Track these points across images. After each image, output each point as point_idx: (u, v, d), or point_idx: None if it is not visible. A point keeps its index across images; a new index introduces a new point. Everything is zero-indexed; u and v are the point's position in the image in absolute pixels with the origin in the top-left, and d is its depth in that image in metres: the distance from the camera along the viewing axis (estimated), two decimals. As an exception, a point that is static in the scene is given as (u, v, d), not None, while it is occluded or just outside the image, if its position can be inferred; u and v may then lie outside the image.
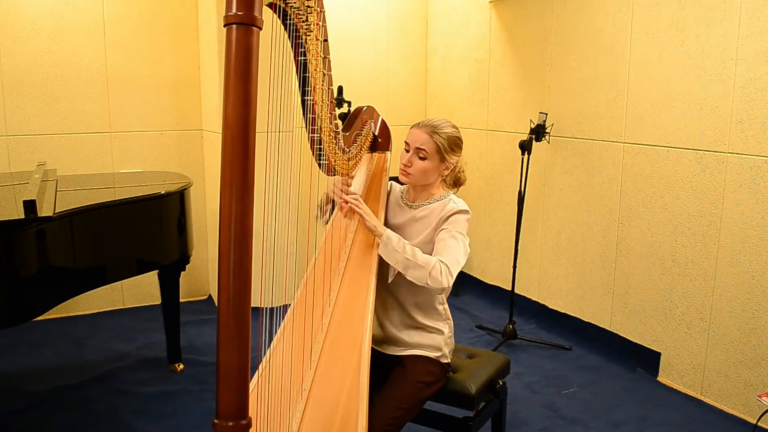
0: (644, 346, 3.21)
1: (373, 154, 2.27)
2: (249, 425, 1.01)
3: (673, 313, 3.05)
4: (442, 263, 1.80)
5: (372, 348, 1.69)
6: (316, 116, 1.69)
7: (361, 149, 2.08)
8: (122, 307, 4.10)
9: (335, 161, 1.86)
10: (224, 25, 0.97)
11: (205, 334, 3.68)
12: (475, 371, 2.10)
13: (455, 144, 1.95)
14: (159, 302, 3.21)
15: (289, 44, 1.59)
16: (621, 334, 3.36)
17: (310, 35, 1.58)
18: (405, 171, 1.95)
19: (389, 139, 2.28)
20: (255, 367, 1.56)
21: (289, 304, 1.81)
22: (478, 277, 4.43)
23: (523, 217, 3.58)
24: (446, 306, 2.04)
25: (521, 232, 3.63)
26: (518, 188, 3.51)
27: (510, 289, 3.68)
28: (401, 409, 1.78)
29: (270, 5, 1.43)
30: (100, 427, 2.67)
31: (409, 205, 2.03)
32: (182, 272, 3.10)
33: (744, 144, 2.68)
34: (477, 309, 4.10)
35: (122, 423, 2.69)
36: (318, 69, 1.65)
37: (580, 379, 3.14)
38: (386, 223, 2.02)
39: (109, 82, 3.88)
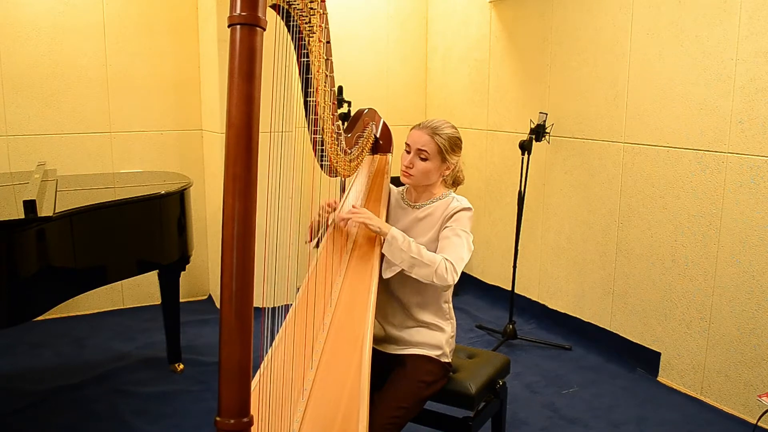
0: (644, 346, 3.21)
1: (375, 156, 2.28)
2: (250, 423, 1.01)
3: (673, 313, 3.05)
4: (447, 261, 1.81)
5: (373, 347, 1.70)
6: (319, 117, 1.70)
7: (362, 151, 2.08)
8: (122, 307, 4.10)
9: (337, 162, 1.87)
10: (228, 26, 0.98)
11: (205, 334, 3.68)
12: (475, 371, 2.10)
13: (456, 144, 1.97)
14: (159, 302, 3.21)
15: (292, 45, 1.59)
16: (621, 334, 3.36)
17: (312, 37, 1.59)
18: (407, 172, 1.97)
19: (390, 141, 2.28)
20: (256, 367, 1.57)
21: (291, 304, 1.81)
22: (478, 277, 4.43)
23: (523, 217, 3.58)
24: (450, 305, 2.04)
25: (521, 232, 3.63)
26: (518, 188, 3.51)
27: (510, 289, 3.68)
28: (402, 409, 1.79)
29: (273, 6, 1.43)
30: (100, 427, 2.67)
31: (411, 206, 2.04)
32: (182, 272, 3.10)
33: (744, 144, 2.68)
34: (477, 309, 4.11)
35: (122, 423, 2.69)
36: (320, 70, 1.66)
37: (580, 379, 3.14)
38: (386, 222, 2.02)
39: (109, 82, 3.88)
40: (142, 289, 4.11)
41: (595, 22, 3.34)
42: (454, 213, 1.93)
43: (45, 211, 2.28)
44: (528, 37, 3.82)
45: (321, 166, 1.83)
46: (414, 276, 1.82)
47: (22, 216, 2.19)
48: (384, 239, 1.83)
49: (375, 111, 2.22)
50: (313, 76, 1.64)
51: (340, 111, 3.92)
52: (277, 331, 1.71)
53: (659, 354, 3.13)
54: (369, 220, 1.84)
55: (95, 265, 2.62)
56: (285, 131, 1.55)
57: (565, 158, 3.62)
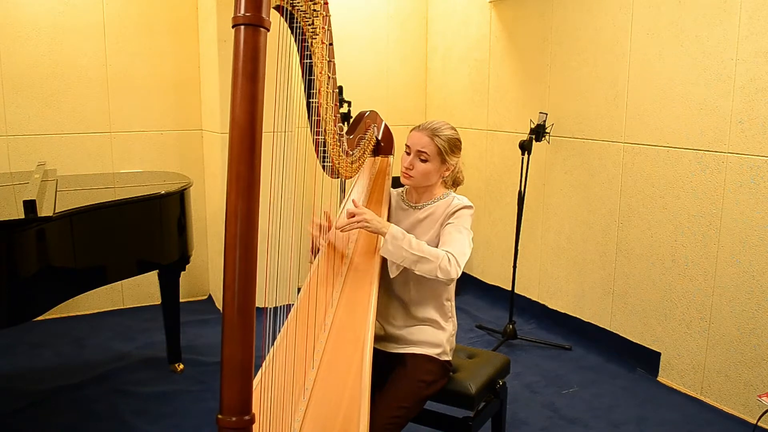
0: (644, 346, 3.21)
1: (376, 157, 2.29)
2: (252, 420, 1.02)
3: (673, 313, 3.05)
4: (450, 254, 1.82)
5: (373, 347, 1.70)
6: (321, 118, 1.70)
7: (364, 153, 2.09)
8: (122, 307, 4.10)
9: (339, 163, 1.87)
10: (233, 26, 0.98)
11: (205, 334, 3.68)
12: (475, 371, 2.10)
13: (455, 145, 1.99)
14: (159, 302, 3.21)
15: (295, 47, 1.60)
16: (621, 334, 3.36)
17: (315, 38, 1.60)
18: (407, 174, 1.98)
19: (392, 143, 2.29)
20: (258, 366, 1.57)
21: (292, 304, 1.81)
22: (478, 277, 4.43)
23: (523, 217, 3.58)
24: (453, 303, 2.04)
25: (521, 232, 3.63)
26: (518, 188, 3.51)
27: (510, 289, 3.68)
28: (402, 408, 1.79)
29: (277, 8, 1.44)
30: (100, 427, 2.67)
31: (412, 207, 2.05)
32: (182, 272, 3.10)
33: (744, 144, 2.68)
34: (477, 309, 4.11)
35: (122, 423, 2.69)
36: (323, 72, 1.67)
37: (580, 379, 3.15)
38: None
39: (109, 82, 3.88)
40: (142, 289, 4.11)
41: (595, 22, 3.34)
42: (456, 210, 1.94)
43: (45, 211, 2.28)
44: (528, 37, 3.82)
45: (323, 167, 1.84)
46: (418, 272, 1.82)
47: (22, 216, 2.19)
48: (384, 239, 1.83)
49: (377, 113, 2.23)
50: (315, 77, 1.65)
51: (340, 111, 3.92)
52: (279, 331, 1.72)
53: (659, 354, 3.13)
54: (367, 223, 1.83)
55: (95, 265, 2.62)
56: (287, 131, 1.55)
57: (565, 158, 3.62)
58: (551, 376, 3.18)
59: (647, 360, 3.19)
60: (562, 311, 3.75)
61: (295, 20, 1.55)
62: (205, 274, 4.32)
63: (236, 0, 0.98)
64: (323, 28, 1.61)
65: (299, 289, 1.92)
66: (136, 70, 3.94)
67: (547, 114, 3.46)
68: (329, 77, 1.71)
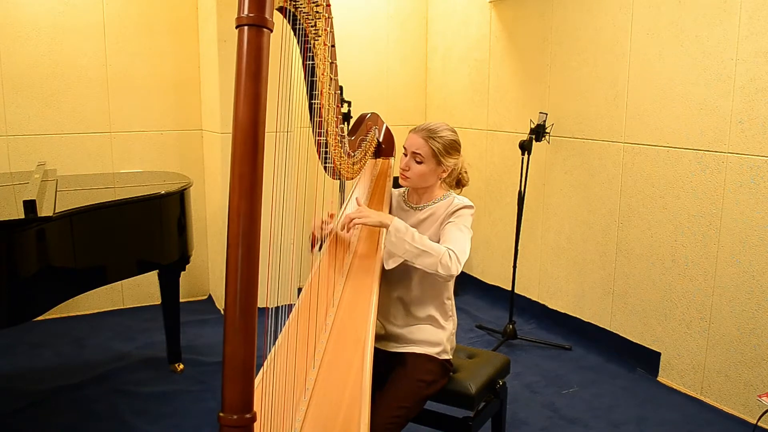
0: (644, 346, 3.22)
1: (377, 159, 2.29)
2: (253, 419, 1.02)
3: (673, 313, 3.05)
4: (451, 250, 1.82)
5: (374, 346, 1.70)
6: (323, 120, 1.71)
7: (365, 154, 2.10)
8: (122, 307, 4.10)
9: (341, 165, 1.88)
10: (236, 27, 0.99)
11: (205, 334, 3.68)
12: (475, 371, 2.10)
13: (451, 147, 1.98)
14: (159, 302, 3.21)
15: (298, 48, 1.61)
16: (621, 334, 3.36)
17: (318, 40, 1.61)
18: (404, 175, 2.00)
19: (393, 145, 2.30)
20: (259, 366, 1.57)
21: (293, 304, 1.81)
22: (478, 277, 4.43)
23: (523, 217, 3.59)
24: (452, 303, 2.05)
25: (521, 232, 3.63)
26: (518, 188, 3.52)
27: (510, 289, 3.68)
28: (403, 408, 1.79)
29: (280, 9, 1.44)
30: (100, 427, 2.67)
31: (413, 207, 2.06)
32: (182, 272, 3.10)
33: (744, 144, 2.68)
34: (477, 309, 4.11)
35: (122, 423, 2.69)
36: (325, 73, 1.67)
37: (580, 379, 3.15)
38: None
39: (109, 82, 3.88)
40: (142, 289, 4.11)
41: (595, 22, 3.35)
42: (456, 210, 1.95)
43: (45, 211, 2.28)
44: (528, 37, 3.82)
45: (324, 168, 1.84)
46: (418, 266, 1.82)
47: (22, 216, 2.19)
48: (387, 231, 1.84)
49: (378, 115, 2.23)
50: (317, 79, 1.65)
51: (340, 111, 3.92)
52: (280, 331, 1.72)
53: (659, 354, 3.13)
54: (367, 218, 1.84)
55: (95, 265, 2.62)
56: (289, 132, 1.56)
57: (565, 158, 3.62)
58: (551, 376, 3.18)
59: (647, 360, 3.19)
60: (562, 311, 3.75)
61: (297, 22, 1.55)
62: (205, 274, 4.32)
63: (240, 0, 0.98)
64: (326, 29, 1.61)
65: (300, 290, 1.92)
66: (136, 70, 3.94)
67: (547, 114, 3.46)
68: (331, 79, 1.72)
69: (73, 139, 3.84)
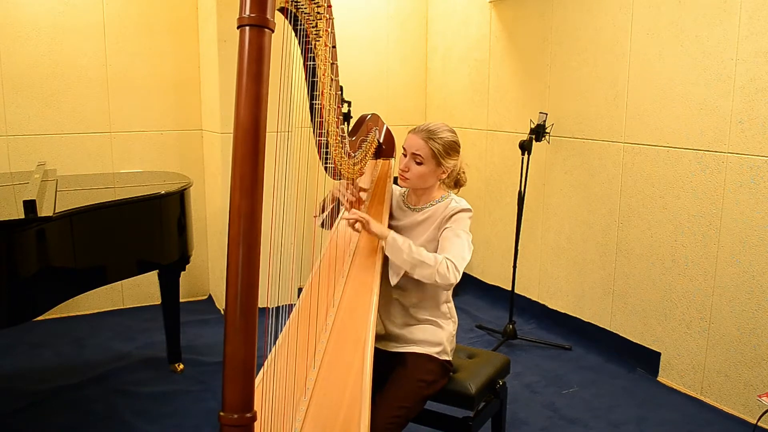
0: (644, 346, 3.22)
1: (378, 160, 2.29)
2: (254, 418, 1.02)
3: (673, 313, 3.05)
4: (449, 260, 1.82)
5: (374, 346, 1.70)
6: (324, 120, 1.71)
7: (366, 155, 2.10)
8: (122, 307, 4.10)
9: (341, 165, 1.88)
10: (237, 27, 0.99)
11: (205, 334, 3.68)
12: (475, 371, 2.10)
13: (451, 148, 1.98)
14: (159, 302, 3.21)
15: (299, 49, 1.61)
16: (621, 334, 3.36)
17: (319, 41, 1.61)
18: (403, 175, 2.00)
19: (393, 146, 2.30)
20: (259, 366, 1.57)
21: (294, 304, 1.82)
22: (478, 277, 4.44)
23: (523, 217, 3.59)
24: (451, 305, 2.05)
25: (521, 232, 3.63)
26: (518, 188, 3.52)
27: (510, 289, 3.68)
28: (403, 408, 1.79)
29: (281, 10, 1.45)
30: (100, 427, 2.67)
31: (411, 208, 2.06)
32: (182, 272, 3.10)
33: (744, 144, 2.68)
34: (477, 309, 4.11)
35: (122, 423, 2.69)
36: (326, 74, 1.67)
37: (580, 379, 3.15)
38: (389, 226, 2.03)
39: (109, 82, 3.88)
40: (142, 289, 4.11)
41: (595, 22, 3.35)
42: (454, 214, 1.94)
43: (45, 211, 2.28)
44: (528, 37, 3.83)
45: (325, 168, 1.84)
46: (417, 277, 1.83)
47: (22, 216, 2.19)
48: (384, 243, 1.84)
49: (378, 116, 2.24)
50: (318, 79, 1.65)
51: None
52: (280, 331, 1.72)
53: (659, 354, 3.14)
54: (368, 224, 1.85)
55: (95, 265, 2.62)
56: (290, 132, 1.56)
57: (565, 158, 3.62)
58: (551, 376, 3.19)
59: (647, 360, 3.19)
60: (562, 311, 3.75)
61: (299, 22, 1.55)
62: (205, 274, 4.32)
63: (241, 1, 0.99)
64: (327, 30, 1.61)
65: (301, 290, 1.92)
66: (136, 70, 3.94)
67: (547, 114, 3.46)
68: (332, 79, 1.72)
69: (73, 139, 3.85)
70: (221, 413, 1.01)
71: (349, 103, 4.00)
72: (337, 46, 1.72)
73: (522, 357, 3.40)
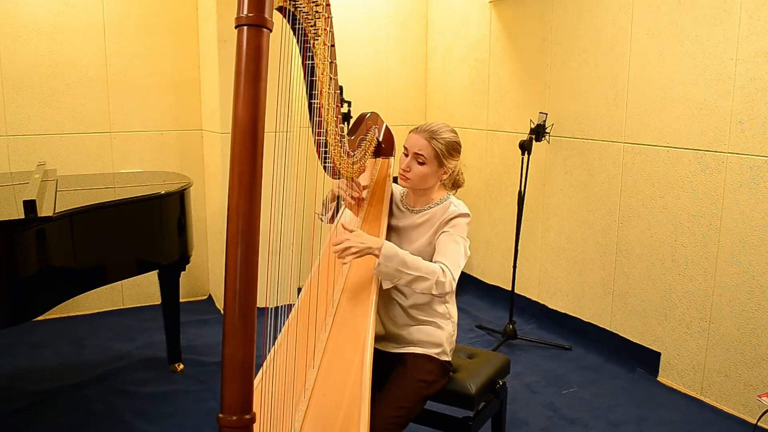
0: (644, 346, 3.22)
1: (377, 159, 2.29)
2: (253, 420, 1.02)
3: (673, 313, 3.05)
4: (445, 266, 1.81)
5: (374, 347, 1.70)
6: (322, 119, 1.71)
7: (365, 154, 2.10)
8: (122, 307, 4.10)
9: (340, 164, 1.88)
10: (235, 27, 0.99)
11: (205, 334, 3.68)
12: (475, 371, 2.10)
13: (453, 149, 1.97)
14: (159, 302, 3.21)
15: (297, 48, 1.61)
16: (621, 334, 3.36)
17: (317, 40, 1.61)
18: (404, 176, 1.97)
19: (393, 145, 2.30)
20: (258, 366, 1.57)
21: (293, 304, 1.81)
22: (478, 277, 4.43)
23: (523, 217, 3.58)
24: (450, 305, 2.04)
25: (521, 232, 3.63)
26: (518, 188, 3.52)
27: (510, 289, 3.68)
28: (403, 408, 1.79)
29: (279, 9, 1.44)
30: (100, 427, 2.67)
31: (410, 210, 2.05)
32: (182, 272, 3.10)
33: (744, 144, 2.68)
34: (477, 309, 4.11)
35: (122, 423, 2.69)
36: (325, 73, 1.67)
37: (580, 379, 3.15)
38: (389, 225, 2.02)
39: (109, 82, 3.88)
40: (142, 289, 4.11)
41: (595, 22, 3.35)
42: (452, 218, 1.92)
43: (45, 211, 2.28)
44: (528, 37, 3.82)
45: (324, 167, 1.84)
46: (413, 289, 1.81)
47: (22, 216, 2.19)
48: (377, 260, 1.76)
49: (378, 115, 2.23)
50: (317, 78, 1.65)
51: (340, 111, 3.92)
52: (280, 331, 1.72)
53: (659, 354, 3.13)
54: (358, 247, 1.73)
55: (95, 265, 2.62)
56: (289, 131, 1.56)
57: (565, 158, 3.62)
58: (551, 376, 3.18)
59: (647, 360, 3.19)
60: (562, 311, 3.75)
61: (297, 21, 1.55)
62: (205, 274, 4.32)
63: (239, 1, 0.98)
64: (325, 29, 1.61)
65: (300, 289, 1.92)
66: (136, 70, 3.94)
67: (547, 114, 3.46)
68: (331, 78, 1.72)
69: (73, 139, 3.85)
70: (220, 415, 1.01)
71: (349, 103, 4.00)
72: (337, 46, 1.72)
73: (522, 357, 3.40)
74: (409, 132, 1.99)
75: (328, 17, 1.62)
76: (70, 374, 3.12)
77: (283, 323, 1.74)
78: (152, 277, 3.21)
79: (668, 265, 3.06)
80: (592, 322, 3.54)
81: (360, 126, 2.11)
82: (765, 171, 2.61)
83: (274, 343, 1.67)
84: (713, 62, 2.77)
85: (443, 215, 1.94)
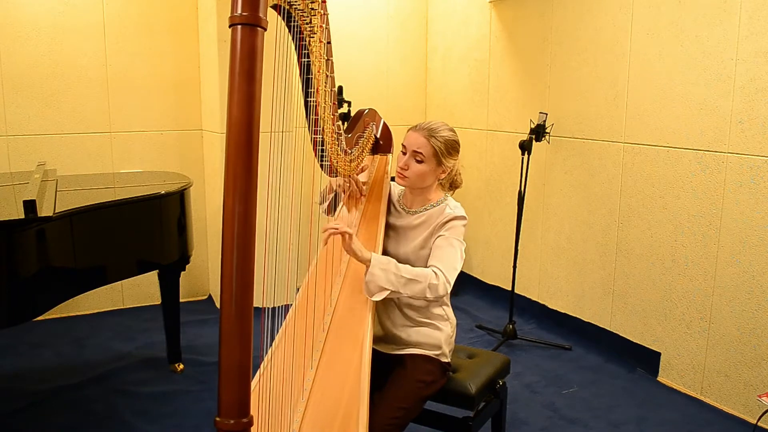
0: (644, 346, 3.21)
1: (375, 156, 2.28)
2: (250, 423, 1.01)
3: (673, 313, 3.05)
4: (438, 269, 1.80)
5: (372, 347, 1.69)
6: (319, 117, 1.70)
7: (362, 151, 2.08)
8: (122, 307, 4.10)
9: (337, 162, 1.87)
10: (229, 26, 0.98)
11: (205, 334, 3.68)
12: (475, 371, 2.10)
13: (452, 148, 1.95)
14: (159, 302, 3.21)
15: (293, 46, 1.60)
16: (621, 334, 3.36)
17: (313, 37, 1.60)
18: (402, 174, 1.95)
19: (391, 141, 2.28)
20: (256, 367, 1.57)
21: (291, 304, 1.81)
22: (478, 277, 4.43)
23: (523, 217, 3.58)
24: (447, 307, 2.03)
25: (521, 232, 3.63)
26: (518, 188, 3.51)
27: (510, 289, 3.68)
28: (402, 409, 1.79)
29: (274, 7, 1.44)
30: (100, 427, 2.67)
31: (406, 211, 2.03)
32: (182, 272, 3.10)
33: (744, 144, 2.68)
34: (477, 309, 4.10)
35: (122, 423, 2.69)
36: (321, 71, 1.66)
37: (580, 379, 3.14)
38: (387, 223, 2.02)
39: (109, 82, 3.88)
40: (142, 289, 4.11)
41: (595, 22, 3.34)
42: (448, 221, 1.90)
43: (45, 211, 2.28)
44: (528, 37, 3.82)
45: (321, 166, 1.83)
46: (407, 294, 1.78)
47: (22, 216, 2.19)
48: (367, 268, 1.75)
49: (375, 111, 2.22)
50: (313, 76, 1.64)
51: (339, 111, 3.92)
52: (277, 332, 1.71)
53: (659, 354, 3.13)
54: (350, 244, 1.72)
55: (95, 265, 2.62)
56: (285, 131, 1.55)
57: (565, 158, 3.62)
58: (551, 376, 3.18)
59: (647, 360, 3.19)
60: (562, 311, 3.75)
61: (292, 19, 1.54)
62: (205, 274, 4.32)
63: (233, 0, 0.98)
64: (321, 26, 1.60)
65: (298, 289, 1.92)
66: (136, 70, 3.94)
67: (547, 114, 3.46)
68: (327, 76, 1.71)
69: (73, 139, 3.85)
70: (217, 418, 1.00)
71: (349, 103, 4.00)
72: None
73: (522, 357, 3.39)
74: (408, 130, 1.98)
75: (324, 14, 1.61)
76: (70, 374, 3.12)
77: (281, 323, 1.73)
78: (152, 277, 3.21)
79: (668, 265, 3.05)
80: (592, 322, 3.54)
81: (357, 123, 2.10)
82: (765, 171, 2.61)
83: (271, 344, 1.67)
84: (713, 62, 2.77)
85: (439, 217, 1.92)
